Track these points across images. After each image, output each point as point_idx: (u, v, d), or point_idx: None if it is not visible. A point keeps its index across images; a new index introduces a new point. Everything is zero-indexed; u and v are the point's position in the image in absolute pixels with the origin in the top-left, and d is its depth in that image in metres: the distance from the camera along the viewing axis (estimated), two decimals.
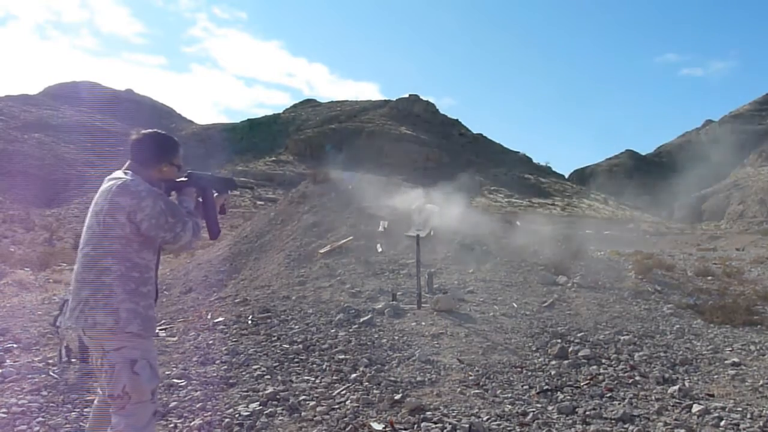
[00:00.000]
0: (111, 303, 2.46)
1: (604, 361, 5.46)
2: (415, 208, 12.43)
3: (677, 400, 4.43)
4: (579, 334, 6.35)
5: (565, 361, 5.32)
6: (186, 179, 2.80)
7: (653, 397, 4.50)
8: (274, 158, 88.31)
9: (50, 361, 5.19)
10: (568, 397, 4.42)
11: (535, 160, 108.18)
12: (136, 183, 2.53)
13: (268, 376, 4.65)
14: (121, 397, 2.47)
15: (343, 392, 4.33)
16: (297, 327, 6.16)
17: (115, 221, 2.48)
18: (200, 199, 2.84)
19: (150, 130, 2.75)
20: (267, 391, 4.23)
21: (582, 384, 4.76)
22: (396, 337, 5.80)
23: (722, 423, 3.95)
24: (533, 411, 4.06)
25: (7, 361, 5.30)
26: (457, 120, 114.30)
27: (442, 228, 11.30)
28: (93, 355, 2.60)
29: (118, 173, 2.62)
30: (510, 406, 4.17)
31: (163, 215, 2.51)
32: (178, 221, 2.55)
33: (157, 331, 2.70)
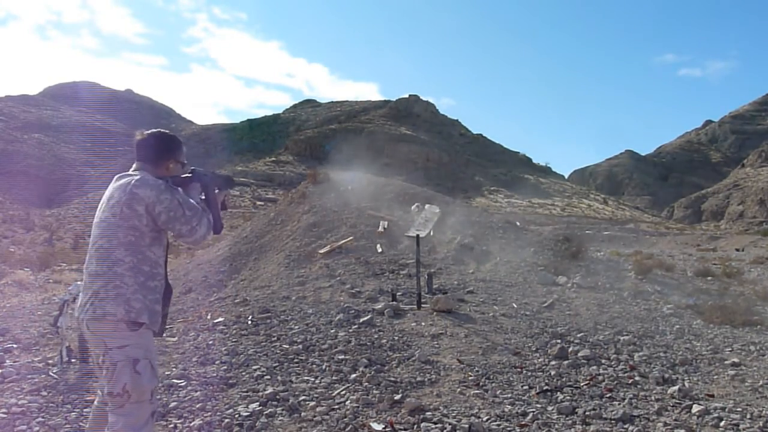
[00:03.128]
0: (123, 293, 2.50)
1: (603, 361, 5.45)
2: (415, 208, 12.44)
3: (677, 401, 4.43)
4: (579, 335, 6.35)
5: (565, 362, 5.32)
6: (189, 176, 2.89)
7: (653, 398, 4.50)
8: (274, 158, 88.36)
9: (50, 361, 5.19)
10: (568, 398, 4.42)
11: (535, 160, 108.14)
12: (153, 178, 2.61)
13: (268, 377, 4.65)
14: (120, 396, 2.48)
15: (343, 392, 4.33)
16: (297, 327, 6.16)
17: (134, 212, 2.53)
18: (203, 196, 2.92)
19: (154, 130, 2.84)
20: (267, 392, 4.23)
21: (582, 384, 4.76)
22: (396, 338, 5.80)
23: (722, 423, 3.95)
24: (533, 411, 4.06)
25: (7, 361, 5.30)
26: (457, 120, 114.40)
27: (442, 228, 11.30)
28: (94, 353, 2.61)
29: (130, 172, 2.69)
30: (510, 407, 4.17)
31: (180, 208, 2.58)
32: (194, 215, 2.63)
33: (160, 330, 2.72)
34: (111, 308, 2.48)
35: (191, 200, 2.71)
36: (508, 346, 5.71)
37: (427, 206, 10.02)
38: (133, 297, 2.51)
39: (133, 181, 2.58)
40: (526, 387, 4.64)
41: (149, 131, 2.80)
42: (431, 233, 9.00)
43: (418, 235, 7.69)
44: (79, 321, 2.61)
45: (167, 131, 2.87)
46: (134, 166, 2.73)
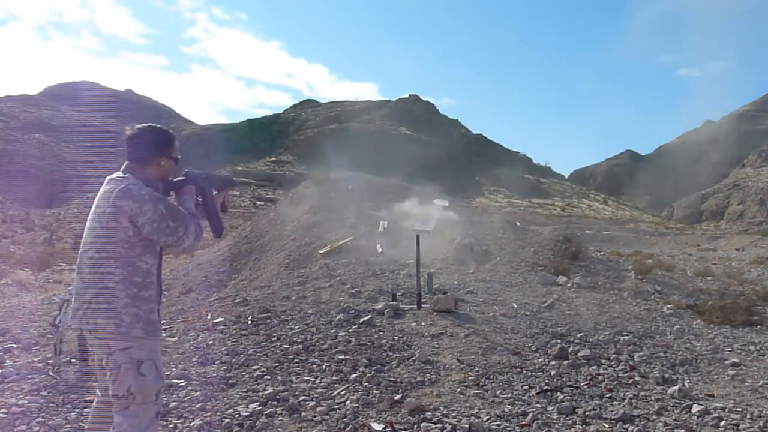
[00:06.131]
0: (113, 307, 2.45)
1: (603, 361, 5.46)
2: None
3: (677, 401, 4.44)
4: (579, 335, 6.35)
5: (565, 362, 5.32)
6: (183, 178, 2.78)
7: (653, 398, 4.50)
8: (274, 158, 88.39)
9: (50, 362, 5.18)
10: (568, 398, 4.42)
11: (535, 161, 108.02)
12: (138, 187, 2.50)
13: (268, 377, 4.65)
14: (125, 398, 2.46)
15: (343, 392, 4.33)
16: (297, 327, 6.16)
17: (118, 224, 2.46)
18: (200, 199, 2.82)
19: (143, 125, 2.67)
20: (267, 392, 4.23)
21: (582, 384, 4.76)
22: (396, 338, 5.80)
23: (722, 423, 3.95)
24: (533, 411, 4.06)
25: (7, 361, 5.30)
26: (457, 120, 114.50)
27: (443, 225, 11.29)
28: (97, 355, 2.58)
29: (117, 175, 2.59)
30: (510, 407, 4.17)
31: (165, 219, 2.48)
32: (179, 225, 2.52)
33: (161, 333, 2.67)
34: (102, 322, 2.45)
35: (180, 207, 2.61)
36: (508, 346, 5.71)
37: (435, 201, 10.07)
38: (125, 311, 2.45)
39: (115, 191, 2.47)
40: (526, 387, 4.65)
41: (138, 126, 2.64)
42: (435, 228, 8.98)
43: (418, 235, 7.69)
44: (74, 326, 2.56)
45: (157, 126, 2.71)
46: (123, 166, 2.62)
